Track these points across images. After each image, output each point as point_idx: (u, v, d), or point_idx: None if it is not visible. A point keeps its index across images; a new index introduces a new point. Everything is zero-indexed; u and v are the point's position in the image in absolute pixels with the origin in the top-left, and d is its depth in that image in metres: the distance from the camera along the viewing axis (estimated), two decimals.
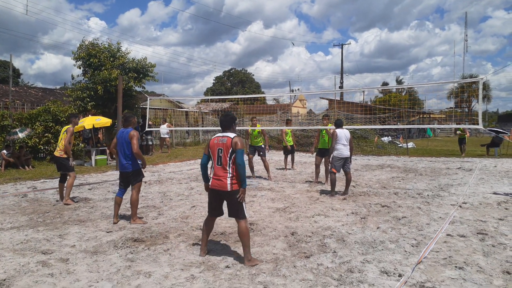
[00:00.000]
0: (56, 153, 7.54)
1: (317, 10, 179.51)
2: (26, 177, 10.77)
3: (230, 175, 4.21)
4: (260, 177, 10.93)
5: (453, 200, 7.63)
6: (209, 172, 4.51)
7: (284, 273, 3.96)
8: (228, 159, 4.21)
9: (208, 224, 4.54)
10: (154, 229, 5.63)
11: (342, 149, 8.04)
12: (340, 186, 8.83)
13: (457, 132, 21.77)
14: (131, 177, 6.08)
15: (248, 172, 10.25)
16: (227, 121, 4.43)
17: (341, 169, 8.22)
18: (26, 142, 13.42)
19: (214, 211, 4.49)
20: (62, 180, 7.59)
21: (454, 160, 15.79)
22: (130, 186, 6.15)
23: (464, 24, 60.20)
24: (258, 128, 10.84)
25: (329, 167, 8.53)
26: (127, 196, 6.28)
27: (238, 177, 4.23)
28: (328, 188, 8.57)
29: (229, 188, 4.20)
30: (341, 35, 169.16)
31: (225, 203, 4.42)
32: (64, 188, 7.47)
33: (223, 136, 4.33)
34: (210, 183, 4.37)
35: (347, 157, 8.12)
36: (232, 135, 4.31)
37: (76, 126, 13.69)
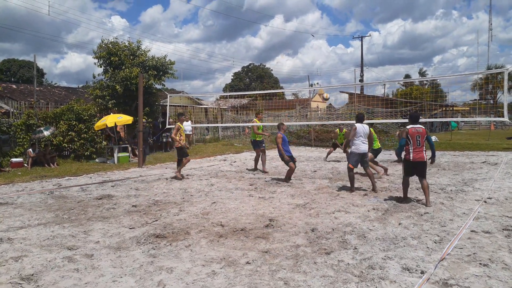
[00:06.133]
0: None
1: (339, 1, 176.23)
2: (52, 175, 11.08)
3: (425, 152, 6.72)
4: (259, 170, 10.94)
5: (477, 195, 7.46)
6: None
7: (304, 269, 3.97)
8: (423, 141, 6.67)
9: (407, 181, 6.96)
10: (176, 225, 5.71)
11: (360, 145, 8.00)
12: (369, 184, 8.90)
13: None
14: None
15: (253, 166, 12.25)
16: (417, 116, 6.99)
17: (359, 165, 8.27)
18: (51, 141, 13.78)
19: (411, 174, 6.86)
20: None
21: (479, 154, 15.40)
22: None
23: (489, 12, 58.42)
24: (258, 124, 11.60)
25: (347, 162, 8.47)
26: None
27: (431, 152, 6.96)
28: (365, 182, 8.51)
29: (425, 159, 6.72)
30: (364, 26, 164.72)
31: None
32: None
33: (418, 127, 6.75)
34: (412, 158, 6.65)
35: (364, 153, 8.07)
36: (423, 126, 6.81)
37: (97, 124, 14.16)
